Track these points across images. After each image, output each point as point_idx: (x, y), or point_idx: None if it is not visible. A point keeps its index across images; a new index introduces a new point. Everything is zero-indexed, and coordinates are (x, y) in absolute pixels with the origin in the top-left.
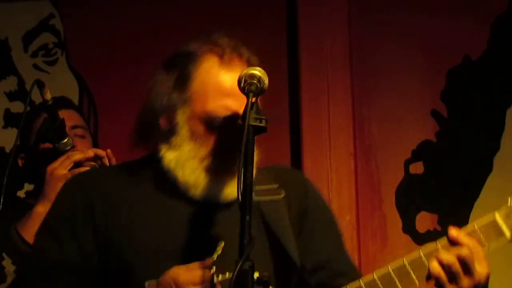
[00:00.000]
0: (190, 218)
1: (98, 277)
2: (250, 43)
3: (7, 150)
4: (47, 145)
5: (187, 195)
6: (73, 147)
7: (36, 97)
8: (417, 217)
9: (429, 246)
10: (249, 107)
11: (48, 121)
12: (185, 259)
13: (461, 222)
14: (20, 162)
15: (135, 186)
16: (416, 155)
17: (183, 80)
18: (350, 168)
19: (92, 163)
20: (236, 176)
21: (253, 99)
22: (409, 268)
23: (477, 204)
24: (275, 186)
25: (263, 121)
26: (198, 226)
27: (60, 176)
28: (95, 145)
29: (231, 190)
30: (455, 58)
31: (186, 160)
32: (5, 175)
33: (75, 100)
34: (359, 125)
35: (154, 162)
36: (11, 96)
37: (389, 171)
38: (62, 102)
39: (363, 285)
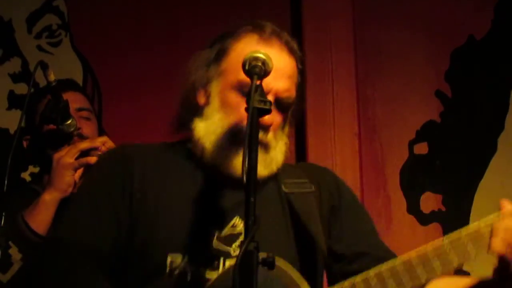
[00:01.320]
0: (216, 194)
1: (124, 245)
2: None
3: (11, 132)
4: (51, 126)
5: (213, 167)
6: (77, 129)
7: (40, 78)
8: (421, 197)
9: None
10: (253, 89)
11: (51, 102)
12: (205, 234)
13: (466, 202)
14: (24, 144)
15: (170, 163)
16: (421, 136)
17: (221, 54)
18: (354, 148)
19: (99, 152)
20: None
21: (257, 82)
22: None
23: (482, 184)
24: (306, 180)
25: (267, 104)
26: (221, 202)
27: (67, 165)
28: (99, 126)
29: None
30: (459, 38)
31: (215, 129)
32: (9, 157)
33: (79, 81)
34: (363, 106)
35: (188, 141)
36: (15, 78)
37: (394, 152)
38: (69, 84)
39: (430, 250)
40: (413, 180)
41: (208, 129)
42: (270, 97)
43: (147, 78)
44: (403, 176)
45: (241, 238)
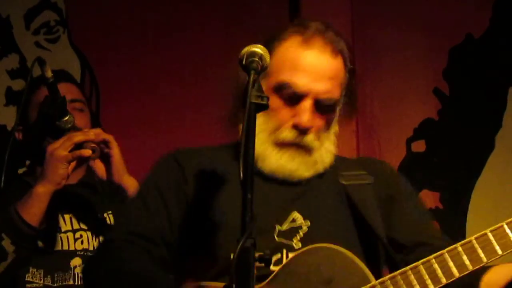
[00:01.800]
0: (270, 191)
1: (177, 244)
2: (254, 24)
3: (9, 128)
4: (48, 120)
5: (257, 168)
6: (74, 125)
7: (37, 75)
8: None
9: None
10: (250, 84)
11: (49, 98)
12: (266, 229)
13: (463, 200)
14: (17, 135)
15: (223, 165)
16: (418, 133)
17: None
18: (352, 146)
19: (93, 145)
20: (305, 155)
21: (255, 76)
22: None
23: (479, 182)
24: (363, 172)
25: (265, 99)
26: (266, 202)
27: (60, 157)
28: (97, 122)
29: (298, 168)
30: (457, 37)
31: (258, 132)
32: (6, 154)
33: (77, 77)
34: (361, 103)
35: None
36: (13, 74)
37: (391, 149)
38: (62, 75)
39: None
40: (411, 177)
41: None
42: (310, 99)
43: (145, 75)
44: (401, 174)
45: (302, 231)
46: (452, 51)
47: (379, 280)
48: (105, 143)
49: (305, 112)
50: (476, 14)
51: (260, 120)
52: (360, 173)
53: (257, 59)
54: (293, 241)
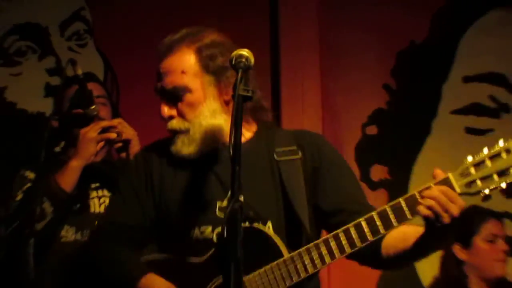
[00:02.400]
0: (215, 172)
1: (151, 230)
2: (239, 31)
3: (47, 114)
4: (78, 110)
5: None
6: (98, 114)
7: (70, 73)
8: (371, 168)
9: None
10: (239, 80)
11: (79, 91)
12: (209, 206)
13: (406, 172)
14: (53, 123)
15: (173, 156)
16: (371, 120)
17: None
18: (319, 130)
19: (116, 129)
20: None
21: (242, 74)
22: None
23: (419, 158)
24: (294, 147)
25: (250, 92)
26: (209, 181)
27: (90, 138)
28: (117, 113)
29: (182, 147)
30: (403, 42)
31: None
32: (45, 135)
33: (101, 76)
34: (326, 95)
35: None
36: (50, 72)
37: (350, 132)
38: (89, 76)
39: (377, 213)
40: (365, 155)
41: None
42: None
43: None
44: (357, 152)
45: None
46: (398, 54)
47: (293, 253)
48: (125, 131)
49: (162, 107)
50: (418, 25)
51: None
52: (291, 149)
53: (244, 60)
54: None
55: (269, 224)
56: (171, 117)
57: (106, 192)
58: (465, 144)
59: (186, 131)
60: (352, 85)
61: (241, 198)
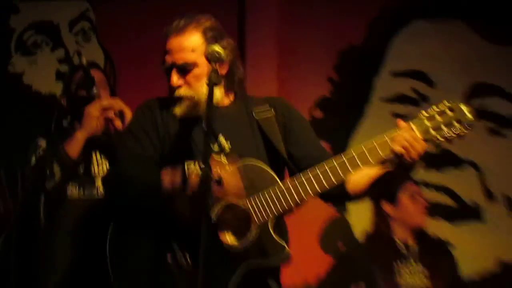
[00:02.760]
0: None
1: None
2: None
3: (57, 96)
4: (83, 92)
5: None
6: (99, 95)
7: (76, 61)
8: None
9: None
10: (213, 70)
11: (83, 76)
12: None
13: (344, 146)
14: (64, 101)
15: (169, 110)
16: (318, 105)
17: None
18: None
19: (114, 108)
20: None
21: (214, 66)
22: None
23: (354, 136)
24: (268, 108)
25: (219, 78)
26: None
27: (93, 115)
28: (114, 93)
29: (184, 111)
30: (344, 45)
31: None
32: (56, 112)
33: (101, 65)
34: (282, 83)
35: None
36: (60, 61)
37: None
38: (92, 64)
39: (345, 158)
40: None
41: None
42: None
43: (152, 62)
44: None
45: (226, 151)
46: (340, 54)
47: (284, 181)
48: (121, 109)
49: (172, 77)
50: (357, 31)
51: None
52: (266, 109)
53: (216, 54)
54: (221, 157)
55: None
56: (179, 86)
57: (104, 160)
58: (391, 126)
59: (191, 98)
60: (303, 76)
61: (227, 146)
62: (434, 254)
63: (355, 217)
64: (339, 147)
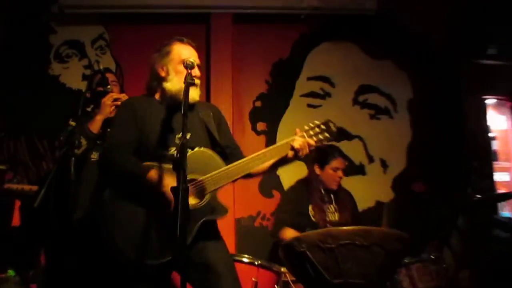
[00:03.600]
0: (177, 116)
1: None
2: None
3: (83, 90)
4: (100, 88)
5: (179, 101)
6: (112, 91)
7: (96, 67)
8: (257, 124)
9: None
10: (188, 75)
11: (101, 78)
12: (171, 139)
13: (275, 127)
14: (87, 95)
15: (152, 105)
16: (258, 98)
17: (168, 52)
18: (230, 103)
19: (122, 99)
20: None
21: (188, 71)
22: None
23: (282, 119)
24: (209, 111)
25: (193, 80)
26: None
27: (108, 104)
28: (122, 90)
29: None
30: (276, 59)
31: (180, 83)
32: (82, 102)
33: (113, 70)
34: (235, 84)
35: (156, 94)
36: (85, 67)
37: (247, 105)
38: (107, 70)
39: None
40: (254, 116)
41: (173, 85)
42: (196, 70)
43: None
44: (250, 115)
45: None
46: (273, 65)
47: (227, 166)
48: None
49: (196, 71)
50: (284, 48)
51: (178, 79)
52: (208, 112)
53: (190, 63)
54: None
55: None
56: (198, 78)
57: None
58: (306, 113)
59: (197, 87)
60: (249, 79)
61: (188, 136)
62: (342, 198)
63: (285, 173)
64: (273, 126)
